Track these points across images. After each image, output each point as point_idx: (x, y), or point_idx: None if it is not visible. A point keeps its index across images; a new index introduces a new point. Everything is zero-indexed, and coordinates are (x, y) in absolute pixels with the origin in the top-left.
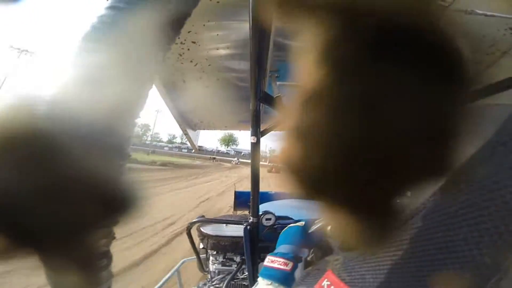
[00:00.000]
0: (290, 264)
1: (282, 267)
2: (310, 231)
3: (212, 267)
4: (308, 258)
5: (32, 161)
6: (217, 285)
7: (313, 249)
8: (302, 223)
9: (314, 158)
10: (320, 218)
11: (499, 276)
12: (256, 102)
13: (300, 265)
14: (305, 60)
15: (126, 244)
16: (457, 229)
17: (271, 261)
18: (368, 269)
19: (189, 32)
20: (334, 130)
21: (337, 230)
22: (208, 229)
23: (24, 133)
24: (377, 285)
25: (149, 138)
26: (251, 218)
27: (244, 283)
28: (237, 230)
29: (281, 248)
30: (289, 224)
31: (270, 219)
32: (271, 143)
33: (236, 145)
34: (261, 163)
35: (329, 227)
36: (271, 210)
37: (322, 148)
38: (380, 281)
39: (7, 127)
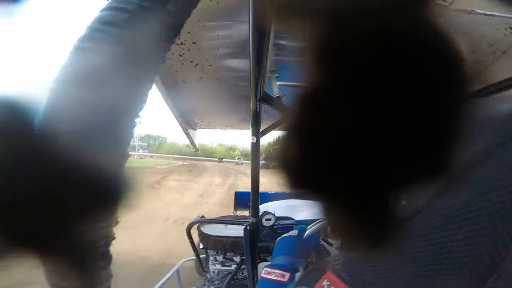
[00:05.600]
0: (287, 275)
1: (279, 278)
2: (304, 237)
3: (211, 267)
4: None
5: (29, 161)
6: (217, 285)
7: (310, 257)
8: (295, 232)
9: (308, 154)
10: (314, 223)
11: (497, 275)
12: (256, 102)
13: (298, 275)
14: (304, 60)
15: None
16: (456, 229)
17: (268, 273)
18: (368, 269)
19: (189, 32)
20: (329, 126)
21: (336, 230)
22: (208, 229)
23: (21, 133)
24: (377, 285)
25: None
26: (251, 218)
27: (244, 283)
28: (237, 231)
29: (277, 259)
30: (289, 224)
31: (270, 219)
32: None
33: None
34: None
35: (329, 228)
36: (271, 211)
37: (316, 144)
38: (380, 281)
39: (3, 128)
